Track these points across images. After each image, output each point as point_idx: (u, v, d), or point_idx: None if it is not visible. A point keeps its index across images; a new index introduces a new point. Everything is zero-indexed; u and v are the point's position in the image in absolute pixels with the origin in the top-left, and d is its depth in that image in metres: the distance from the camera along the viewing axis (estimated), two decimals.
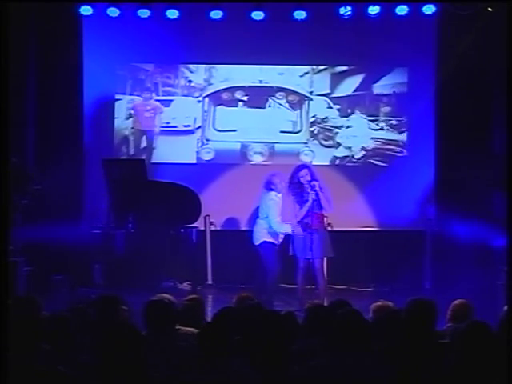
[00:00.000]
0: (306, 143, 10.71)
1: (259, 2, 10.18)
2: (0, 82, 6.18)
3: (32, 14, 10.07)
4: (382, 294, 8.88)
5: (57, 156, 10.03)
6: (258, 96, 10.64)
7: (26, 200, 9.48)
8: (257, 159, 10.66)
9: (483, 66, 10.30)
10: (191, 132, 10.67)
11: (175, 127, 10.66)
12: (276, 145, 10.69)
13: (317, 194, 8.46)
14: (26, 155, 10.24)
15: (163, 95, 10.72)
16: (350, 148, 10.63)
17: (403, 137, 10.67)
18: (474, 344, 3.96)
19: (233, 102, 10.66)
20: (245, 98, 10.64)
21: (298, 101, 10.71)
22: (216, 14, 10.30)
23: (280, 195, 8.71)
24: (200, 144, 10.70)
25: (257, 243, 8.77)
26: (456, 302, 5.50)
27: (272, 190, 8.67)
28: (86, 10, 10.32)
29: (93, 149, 10.64)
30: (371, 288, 10.43)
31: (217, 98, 10.68)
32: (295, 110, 10.71)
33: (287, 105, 10.70)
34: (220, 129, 10.68)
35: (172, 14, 10.31)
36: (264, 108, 10.68)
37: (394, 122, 10.61)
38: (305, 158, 10.62)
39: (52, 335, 4.31)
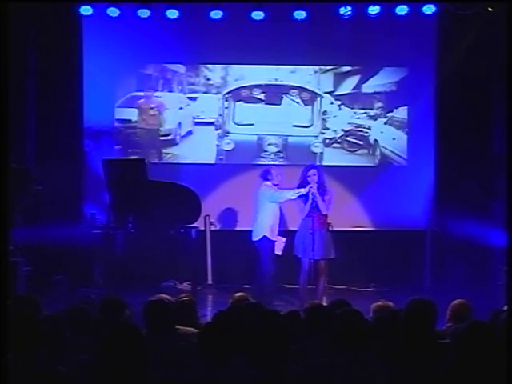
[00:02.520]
0: (316, 136, 11.13)
1: (259, 2, 10.19)
2: (0, 82, 6.18)
3: (32, 14, 10.06)
4: (382, 293, 8.90)
5: (57, 156, 10.04)
6: (274, 93, 11.13)
7: (27, 200, 9.48)
8: (271, 150, 11.17)
9: (483, 66, 10.30)
10: (216, 123, 11.12)
11: (204, 118, 11.11)
12: (289, 137, 11.17)
13: (314, 197, 8.51)
14: (26, 156, 10.25)
15: (189, 92, 11.08)
16: (335, 131, 11.16)
17: (370, 122, 11.06)
18: (474, 344, 3.95)
19: (251, 99, 11.15)
20: (262, 96, 11.14)
21: (310, 98, 11.12)
22: (216, 14, 10.32)
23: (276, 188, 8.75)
24: (220, 136, 11.11)
25: (255, 239, 8.77)
26: (456, 301, 5.49)
27: (268, 179, 8.78)
28: (85, 10, 10.34)
29: (93, 149, 10.64)
30: (371, 288, 10.44)
31: (236, 95, 11.15)
32: (307, 106, 11.12)
33: (300, 101, 11.13)
34: (239, 122, 11.16)
35: (172, 13, 10.34)
36: (279, 104, 11.15)
37: (371, 114, 11.07)
38: (315, 150, 11.12)
39: (52, 335, 4.31)
